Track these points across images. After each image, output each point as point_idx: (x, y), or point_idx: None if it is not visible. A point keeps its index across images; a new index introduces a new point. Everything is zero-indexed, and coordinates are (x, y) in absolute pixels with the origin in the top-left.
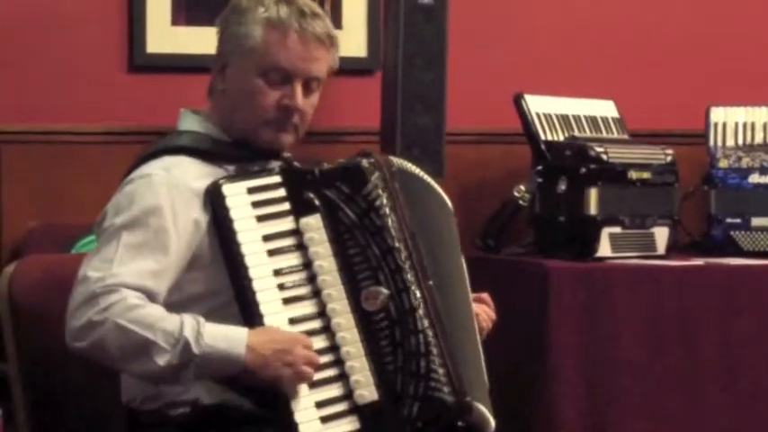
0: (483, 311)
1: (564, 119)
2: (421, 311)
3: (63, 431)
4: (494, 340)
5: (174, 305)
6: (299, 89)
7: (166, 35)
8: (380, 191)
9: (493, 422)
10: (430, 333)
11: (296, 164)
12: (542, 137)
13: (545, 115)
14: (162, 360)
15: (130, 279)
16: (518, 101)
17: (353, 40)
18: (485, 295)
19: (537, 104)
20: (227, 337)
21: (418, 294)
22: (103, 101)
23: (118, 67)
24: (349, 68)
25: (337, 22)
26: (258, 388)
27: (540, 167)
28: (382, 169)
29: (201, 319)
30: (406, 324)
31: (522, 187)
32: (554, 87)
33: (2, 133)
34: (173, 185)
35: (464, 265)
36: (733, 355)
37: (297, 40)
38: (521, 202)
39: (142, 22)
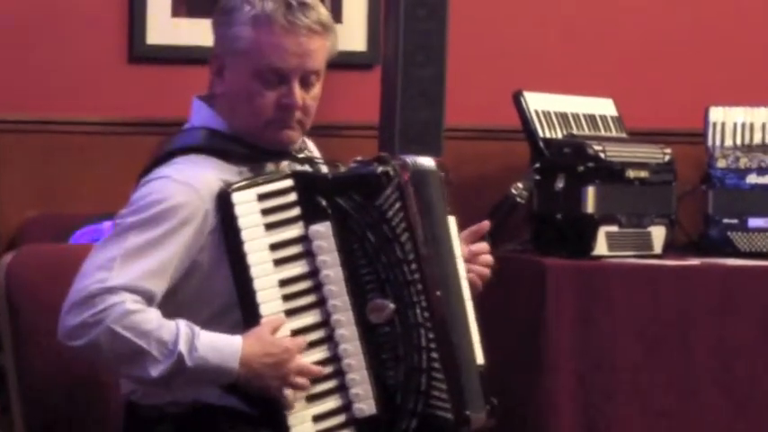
0: (477, 272)
1: (563, 116)
2: (426, 327)
3: (59, 423)
4: (490, 336)
5: (172, 311)
6: (296, 87)
7: (167, 27)
8: (394, 201)
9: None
10: (433, 350)
11: (308, 168)
12: (541, 134)
13: (544, 113)
14: (155, 371)
15: (130, 281)
16: (517, 98)
17: (353, 34)
18: (475, 247)
19: (536, 102)
20: (221, 351)
21: (425, 309)
22: (103, 92)
23: (118, 59)
24: (348, 62)
25: (337, 15)
26: (256, 395)
27: (538, 165)
28: (398, 177)
29: (197, 329)
30: (410, 339)
31: (520, 184)
32: (553, 85)
33: (0, 122)
34: (187, 186)
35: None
36: (729, 355)
37: (286, 36)
38: (518, 199)
39: (142, 14)
